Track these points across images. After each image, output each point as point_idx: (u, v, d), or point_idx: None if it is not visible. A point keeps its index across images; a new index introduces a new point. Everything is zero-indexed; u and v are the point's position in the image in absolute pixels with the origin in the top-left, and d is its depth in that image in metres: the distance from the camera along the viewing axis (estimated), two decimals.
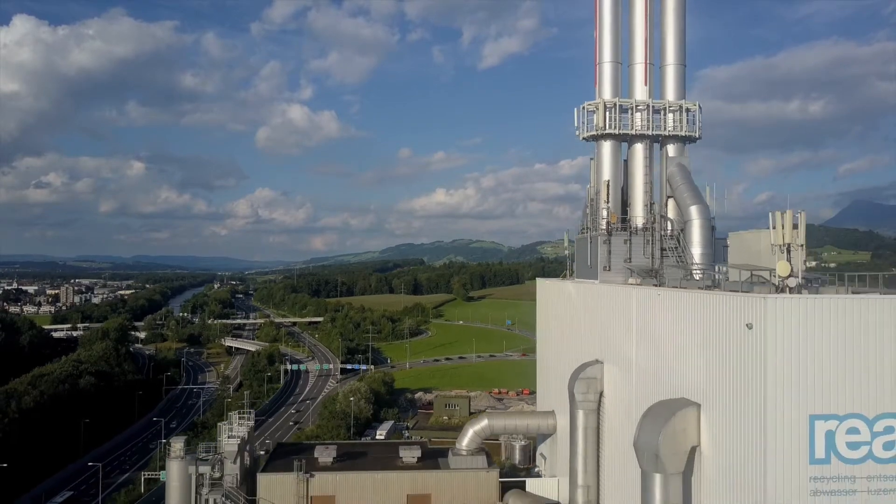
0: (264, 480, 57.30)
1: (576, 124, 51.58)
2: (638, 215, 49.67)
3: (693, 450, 33.63)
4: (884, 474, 28.44)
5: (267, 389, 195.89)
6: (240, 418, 62.26)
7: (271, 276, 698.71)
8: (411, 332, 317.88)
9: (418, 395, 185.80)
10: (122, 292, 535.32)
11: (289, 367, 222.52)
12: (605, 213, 48.94)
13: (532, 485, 57.47)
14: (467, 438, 58.66)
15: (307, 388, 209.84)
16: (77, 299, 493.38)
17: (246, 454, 61.48)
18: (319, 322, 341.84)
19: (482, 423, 59.03)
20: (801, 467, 28.23)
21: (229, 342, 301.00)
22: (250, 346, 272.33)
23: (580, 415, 47.39)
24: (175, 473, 59.96)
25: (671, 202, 50.51)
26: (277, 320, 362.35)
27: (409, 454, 60.54)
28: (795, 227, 32.53)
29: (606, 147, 51.01)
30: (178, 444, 62.04)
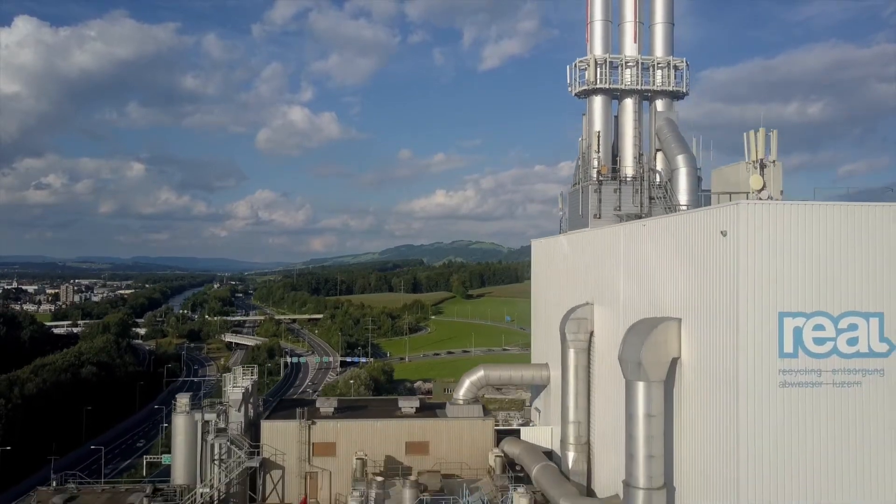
0: (267, 427, 59.40)
1: (568, 81, 53.91)
2: (628, 165, 51.94)
3: (674, 362, 35.80)
4: (847, 368, 30.63)
5: (267, 381, 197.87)
6: (244, 373, 64.39)
7: (271, 277, 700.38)
8: (411, 328, 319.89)
9: (417, 383, 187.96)
10: (121, 292, 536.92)
11: (289, 359, 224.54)
12: (595, 162, 51.19)
13: (526, 433, 59.57)
14: (464, 388, 60.77)
15: (307, 380, 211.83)
16: (77, 298, 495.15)
17: (249, 407, 63.59)
18: (319, 319, 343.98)
19: (478, 374, 61.14)
20: (771, 361, 30.40)
21: (229, 338, 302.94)
22: (250, 342, 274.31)
23: (571, 354, 49.53)
24: (181, 427, 61.88)
25: (660, 155, 52.78)
26: (277, 317, 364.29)
27: (408, 405, 62.71)
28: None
29: (597, 102, 53.32)
30: (183, 400, 64.02)
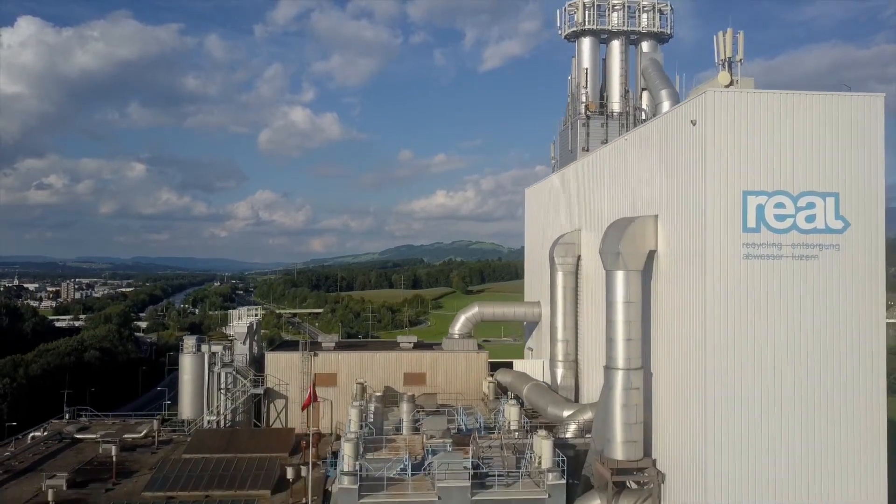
0: (271, 358, 62.23)
1: (558, 24, 56.96)
2: (615, 101, 54.92)
3: (651, 254, 38.68)
4: (805, 243, 33.50)
5: None
6: (248, 312, 67.28)
7: (271, 277, 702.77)
8: (411, 321, 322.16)
9: None
10: (122, 290, 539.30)
11: None
12: (584, 97, 54.13)
13: (518, 365, 62.43)
14: (459, 324, 63.62)
15: None
16: (78, 295, 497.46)
17: (254, 343, 66.46)
18: (320, 313, 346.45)
19: (473, 310, 64.03)
20: (735, 235, 33.27)
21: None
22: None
23: (559, 277, 52.41)
24: (188, 367, 64.74)
25: (645, 95, 55.73)
26: (278, 311, 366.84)
27: (406, 341, 65.59)
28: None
29: (586, 43, 56.35)
30: (190, 341, 67.01)
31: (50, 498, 42.55)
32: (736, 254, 33.27)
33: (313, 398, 42.14)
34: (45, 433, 58.85)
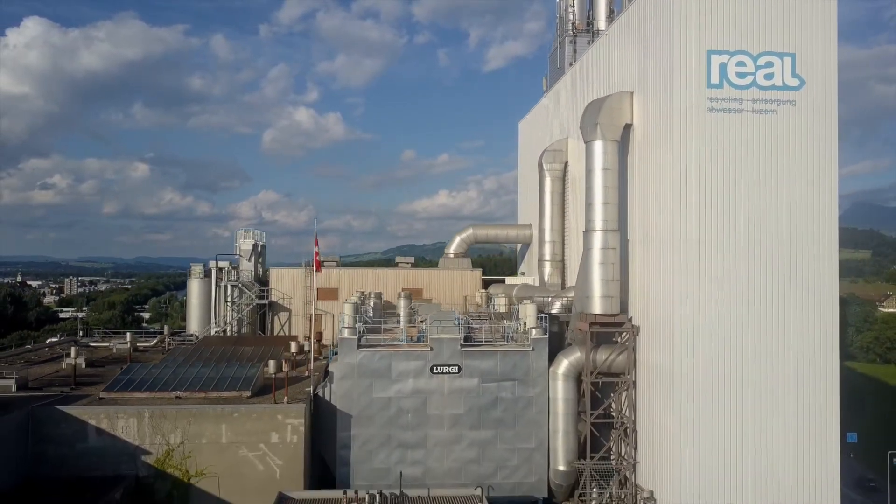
0: (275, 273, 65.51)
1: None
2: (601, 20, 58.07)
3: (627, 127, 41.93)
4: (764, 98, 36.75)
5: None
6: (254, 233, 70.42)
7: None
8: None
9: None
10: (125, 287, 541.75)
11: None
12: (571, 16, 57.43)
13: (510, 280, 65.57)
14: (455, 244, 66.84)
15: None
16: (81, 290, 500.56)
17: (258, 264, 69.62)
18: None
19: (468, 231, 67.24)
20: (700, 91, 36.48)
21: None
22: None
23: (547, 182, 55.63)
24: (195, 290, 68.03)
25: None
26: None
27: (405, 261, 68.82)
28: None
29: None
30: (197, 268, 70.16)
31: (69, 371, 45.57)
32: (700, 107, 36.52)
33: (317, 266, 45.27)
34: (61, 338, 62.05)
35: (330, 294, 64.58)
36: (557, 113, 58.80)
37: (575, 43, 57.06)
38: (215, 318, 64.38)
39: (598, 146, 41.00)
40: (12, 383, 40.33)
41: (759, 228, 36.85)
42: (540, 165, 56.06)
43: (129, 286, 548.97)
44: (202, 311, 67.64)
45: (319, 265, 46.76)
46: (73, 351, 47.07)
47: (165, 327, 62.29)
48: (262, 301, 63.67)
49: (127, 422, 36.75)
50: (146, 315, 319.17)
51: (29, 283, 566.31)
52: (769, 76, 36.82)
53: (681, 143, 36.65)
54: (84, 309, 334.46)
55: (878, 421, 63.33)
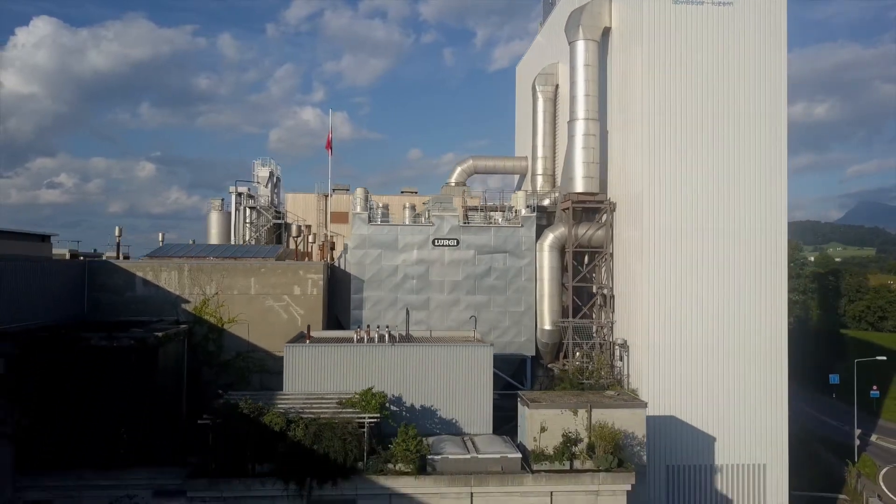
0: (290, 198, 71.03)
1: None
2: None
3: (606, 30, 47.45)
4: None
5: None
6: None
7: None
8: None
9: None
10: None
11: None
12: None
13: None
14: (455, 174, 72.20)
15: None
16: None
17: (274, 193, 75.06)
18: None
19: (468, 163, 72.57)
20: None
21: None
22: None
23: (539, 102, 61.06)
24: (215, 222, 73.30)
25: None
26: None
27: (409, 190, 74.26)
28: None
29: None
30: (217, 201, 75.56)
31: None
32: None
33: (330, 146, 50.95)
34: None
35: (342, 217, 69.98)
36: (549, 45, 64.23)
37: None
38: (234, 240, 69.77)
39: (580, 45, 46.55)
40: (66, 252, 46.00)
41: (718, 104, 42.23)
42: (533, 88, 61.49)
43: None
44: (221, 237, 73.09)
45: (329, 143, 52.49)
46: None
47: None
48: (279, 221, 69.12)
49: (169, 274, 42.41)
50: None
51: None
52: None
53: (648, 35, 42.11)
54: None
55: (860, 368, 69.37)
